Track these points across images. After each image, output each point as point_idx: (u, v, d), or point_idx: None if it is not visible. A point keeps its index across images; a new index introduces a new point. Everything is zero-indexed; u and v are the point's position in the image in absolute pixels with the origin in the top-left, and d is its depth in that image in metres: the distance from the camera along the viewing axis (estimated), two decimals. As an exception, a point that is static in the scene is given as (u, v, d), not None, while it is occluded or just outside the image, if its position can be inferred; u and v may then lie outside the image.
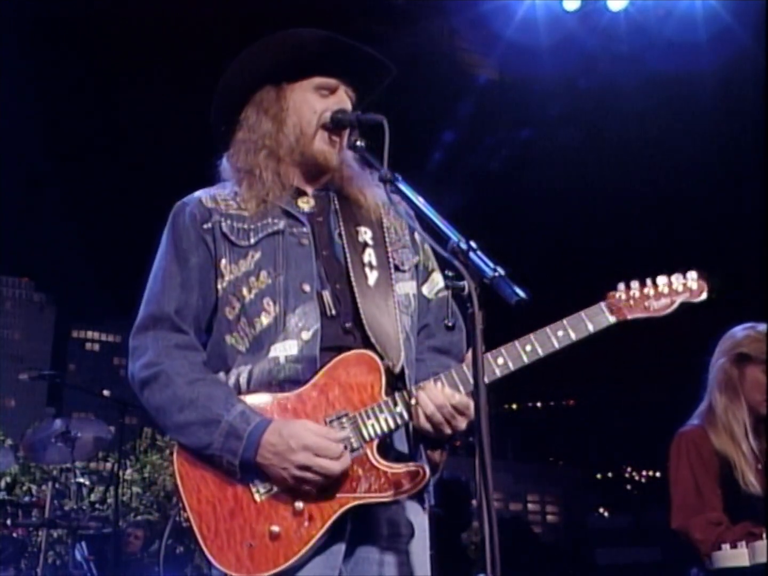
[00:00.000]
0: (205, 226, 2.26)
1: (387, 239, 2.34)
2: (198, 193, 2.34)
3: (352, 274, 2.24)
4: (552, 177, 11.36)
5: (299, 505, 2.04)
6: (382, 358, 2.16)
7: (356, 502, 2.06)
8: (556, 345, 2.11)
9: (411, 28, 7.56)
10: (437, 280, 2.40)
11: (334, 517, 2.04)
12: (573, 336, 2.12)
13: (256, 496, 2.06)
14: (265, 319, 2.17)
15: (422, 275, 2.41)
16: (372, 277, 2.27)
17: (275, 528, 2.03)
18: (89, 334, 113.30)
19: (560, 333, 2.11)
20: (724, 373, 3.37)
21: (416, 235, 2.41)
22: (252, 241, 2.23)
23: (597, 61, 7.95)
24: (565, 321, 2.12)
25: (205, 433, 2.06)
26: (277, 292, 2.18)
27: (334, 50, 2.31)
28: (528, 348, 2.11)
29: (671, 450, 3.39)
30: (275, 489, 2.06)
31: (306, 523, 2.03)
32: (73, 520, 6.52)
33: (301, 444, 2.01)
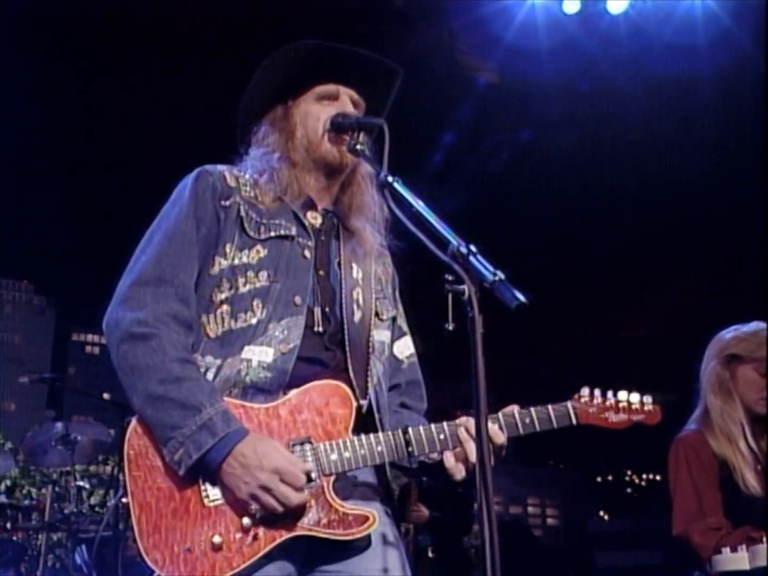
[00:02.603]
0: (223, 203, 2.24)
1: (373, 285, 2.38)
2: (221, 168, 2.32)
3: (344, 302, 2.26)
4: (551, 179, 11.35)
5: (247, 521, 2.00)
6: (354, 394, 2.16)
7: (303, 532, 2.03)
8: (521, 431, 2.19)
9: (411, 31, 7.57)
10: (409, 344, 2.45)
11: (278, 541, 2.01)
12: (537, 427, 2.19)
13: (205, 501, 2.02)
14: (249, 319, 2.16)
15: (396, 333, 2.44)
16: (357, 314, 2.30)
17: (217, 539, 1.98)
18: (89, 337, 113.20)
19: (527, 420, 2.18)
20: (716, 376, 3.40)
21: (396, 293, 2.48)
22: (262, 236, 2.24)
23: (597, 63, 7.95)
24: (533, 410, 2.19)
25: (179, 414, 2.01)
26: (269, 298, 2.18)
27: (326, 56, 2.33)
28: (496, 426, 2.15)
29: (670, 456, 3.39)
30: (225, 498, 2.02)
31: (249, 541, 1.99)
32: (73, 524, 6.51)
33: (272, 465, 1.99)
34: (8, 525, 6.52)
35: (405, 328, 2.48)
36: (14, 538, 6.59)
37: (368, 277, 2.39)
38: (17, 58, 9.18)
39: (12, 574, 6.45)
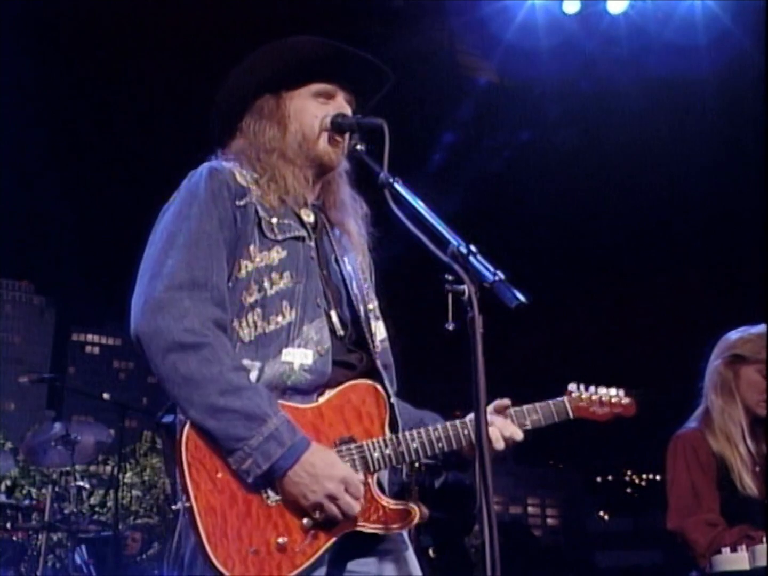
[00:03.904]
0: (238, 203, 2.20)
1: (362, 277, 2.39)
2: (228, 165, 2.27)
3: (353, 301, 2.29)
4: (551, 179, 11.37)
5: (307, 521, 2.04)
6: (387, 392, 2.19)
7: (355, 528, 2.09)
8: (529, 426, 2.31)
9: (411, 31, 7.57)
10: (381, 329, 2.45)
11: (334, 539, 2.06)
12: (543, 422, 2.33)
13: (266, 501, 2.04)
14: (281, 321, 2.15)
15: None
16: (361, 312, 2.32)
17: (282, 539, 2.02)
18: (89, 337, 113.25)
19: (534, 416, 2.32)
20: (719, 375, 3.39)
21: (373, 278, 2.51)
22: (278, 237, 2.22)
23: (597, 63, 7.95)
24: (537, 406, 2.33)
25: (244, 426, 1.98)
26: (296, 299, 2.18)
27: (331, 56, 2.32)
28: (514, 426, 2.26)
29: (668, 452, 3.39)
30: (285, 499, 2.05)
31: (309, 540, 2.04)
32: (73, 524, 6.50)
33: (340, 475, 2.02)
34: (8, 525, 6.51)
35: (378, 312, 2.48)
36: (14, 538, 6.58)
37: (357, 270, 2.39)
38: (17, 58, 9.18)
39: (12, 574, 6.44)
